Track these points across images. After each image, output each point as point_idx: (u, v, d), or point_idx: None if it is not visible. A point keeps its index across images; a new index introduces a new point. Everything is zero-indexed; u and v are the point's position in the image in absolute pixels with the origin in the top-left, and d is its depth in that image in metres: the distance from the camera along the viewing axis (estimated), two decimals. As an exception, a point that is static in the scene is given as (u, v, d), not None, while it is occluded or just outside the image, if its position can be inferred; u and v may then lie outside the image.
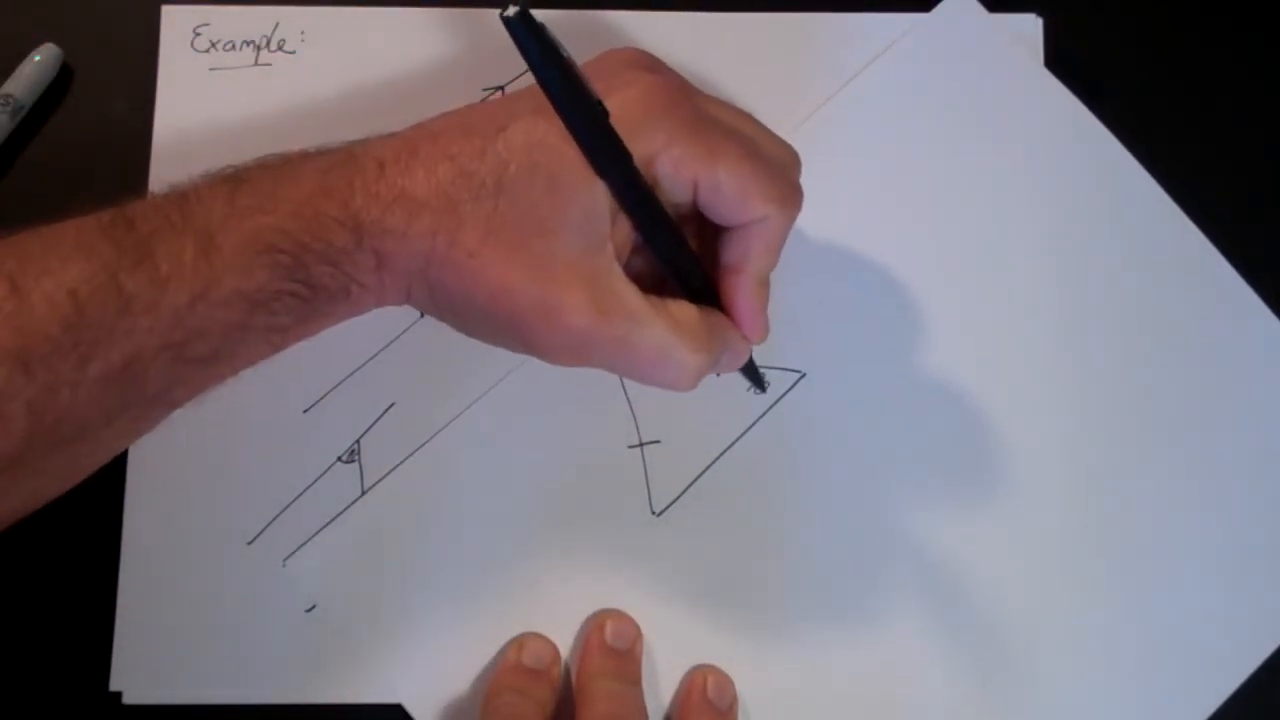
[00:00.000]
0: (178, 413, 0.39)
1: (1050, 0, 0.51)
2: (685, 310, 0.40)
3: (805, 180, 0.42)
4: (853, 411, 0.48)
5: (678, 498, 0.48)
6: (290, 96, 0.50)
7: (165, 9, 0.51)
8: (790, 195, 0.40)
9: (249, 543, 0.47)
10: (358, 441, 0.48)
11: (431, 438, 0.48)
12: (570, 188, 0.37)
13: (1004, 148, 0.50)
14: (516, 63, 0.35)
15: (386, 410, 0.48)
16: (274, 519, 0.47)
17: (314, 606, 0.46)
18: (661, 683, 0.47)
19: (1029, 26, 0.51)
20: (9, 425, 0.34)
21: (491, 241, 0.37)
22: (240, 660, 0.46)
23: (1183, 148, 0.51)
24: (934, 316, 0.49)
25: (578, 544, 0.47)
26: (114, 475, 0.47)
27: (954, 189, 0.50)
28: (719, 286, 0.41)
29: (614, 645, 0.46)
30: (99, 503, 0.47)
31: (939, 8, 0.51)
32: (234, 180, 0.37)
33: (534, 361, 0.40)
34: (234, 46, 0.51)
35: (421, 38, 0.51)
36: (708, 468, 0.48)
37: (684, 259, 0.40)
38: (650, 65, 0.40)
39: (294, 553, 0.47)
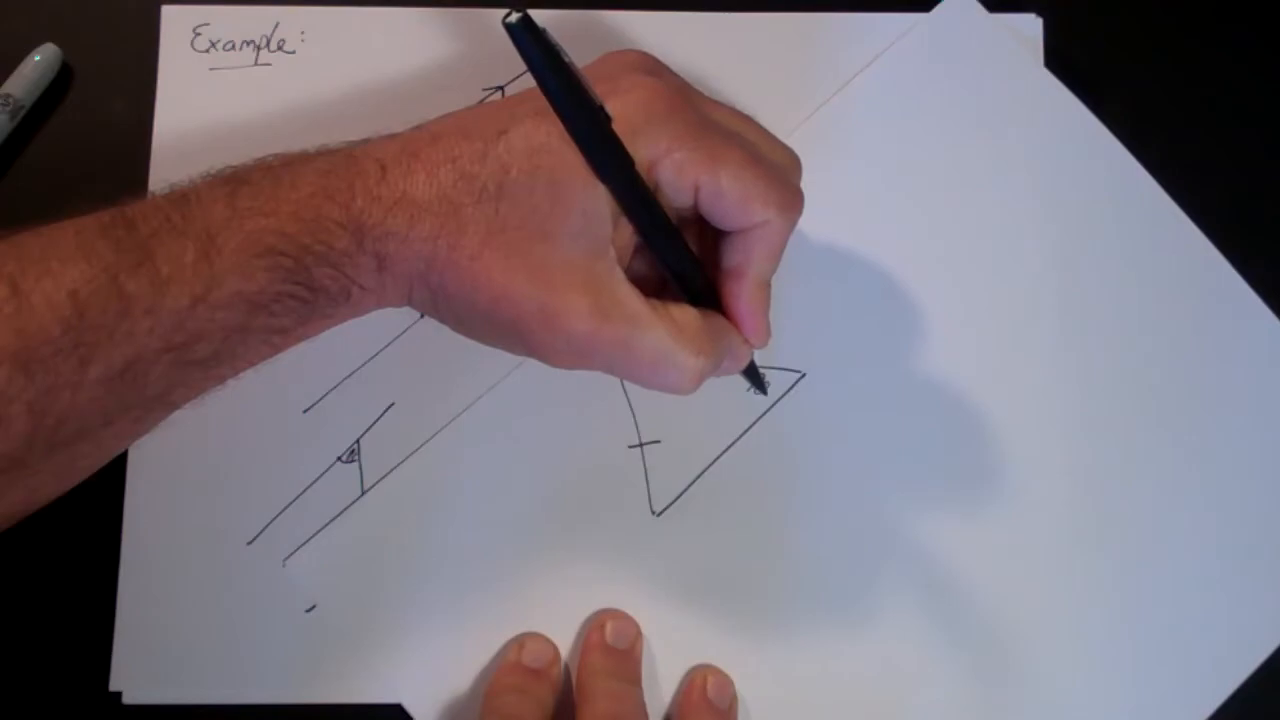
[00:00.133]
0: (178, 413, 0.39)
1: (1050, 0, 0.51)
2: (686, 314, 0.40)
3: (805, 180, 0.42)
4: (852, 411, 0.48)
5: (678, 498, 0.48)
6: (290, 96, 0.50)
7: (165, 9, 0.51)
8: (791, 199, 0.40)
9: (249, 543, 0.47)
10: (358, 441, 0.48)
11: (431, 438, 0.48)
12: (571, 191, 0.37)
13: (1004, 148, 0.50)
14: (517, 63, 0.35)
15: (386, 410, 0.48)
16: (274, 519, 0.47)
17: (314, 606, 0.46)
18: (661, 683, 0.47)
19: (1029, 26, 0.51)
20: (9, 426, 0.34)
21: (492, 245, 0.37)
22: (240, 660, 0.46)
23: (1183, 148, 0.51)
24: (934, 316, 0.49)
25: (578, 544, 0.47)
26: (114, 475, 0.47)
27: (954, 189, 0.50)
28: (720, 290, 0.41)
29: (614, 644, 0.46)
30: (99, 503, 0.47)
31: (939, 8, 0.51)
32: (234, 181, 0.37)
33: (534, 362, 0.40)
34: (234, 46, 0.51)
35: (421, 38, 0.51)
36: (708, 468, 0.48)
37: (685, 263, 0.40)
38: (652, 68, 0.40)
39: (294, 553, 0.47)
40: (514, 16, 0.34)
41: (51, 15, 0.51)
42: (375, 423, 0.48)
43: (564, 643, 0.47)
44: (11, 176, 0.49)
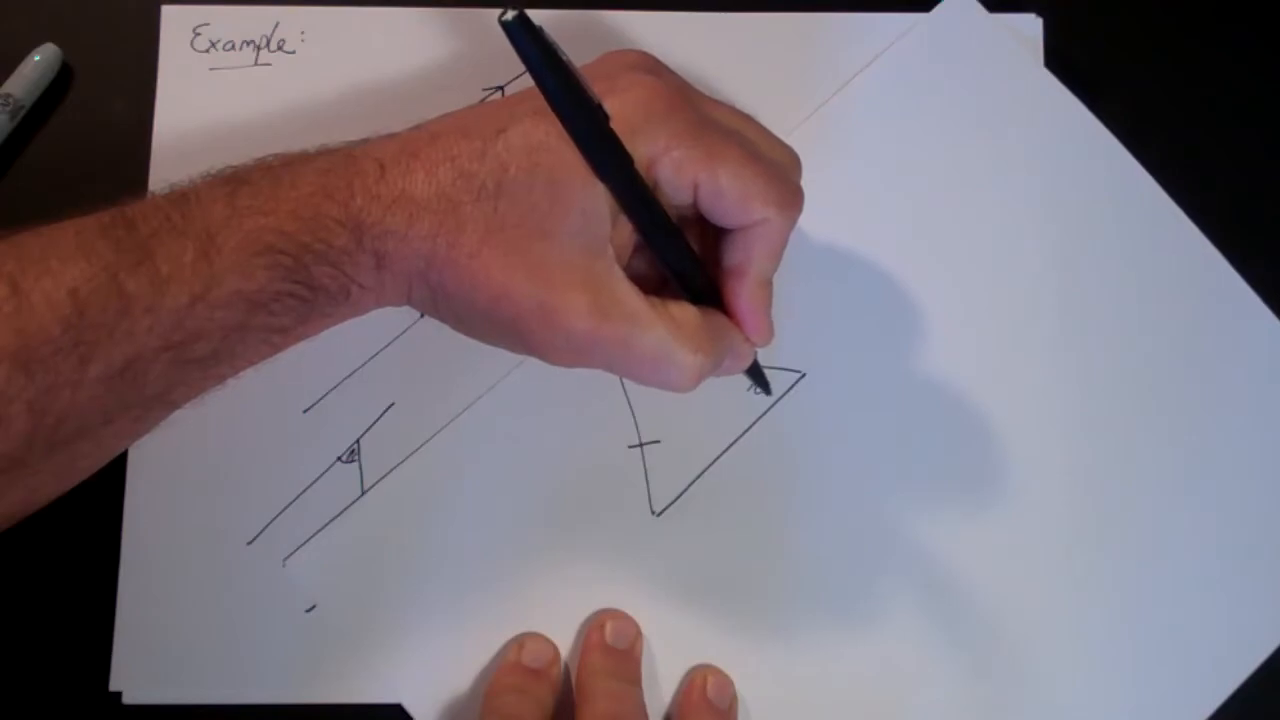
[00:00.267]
0: (178, 413, 0.39)
1: (1050, 0, 0.51)
2: (686, 312, 0.40)
3: (805, 180, 0.42)
4: (852, 411, 0.48)
5: (678, 497, 0.48)
6: (290, 96, 0.50)
7: (165, 9, 0.51)
8: (791, 197, 0.40)
9: (249, 543, 0.47)
10: (358, 441, 0.48)
11: (431, 438, 0.48)
12: (570, 190, 0.37)
13: (1004, 148, 0.50)
14: (516, 63, 0.35)
15: (386, 410, 0.48)
16: (274, 519, 0.47)
17: (314, 606, 0.46)
18: (661, 683, 0.47)
19: (1029, 26, 0.51)
20: (9, 425, 0.34)
21: (492, 243, 0.37)
22: (240, 660, 0.46)
23: (1183, 148, 0.51)
24: (934, 316, 0.49)
25: (578, 544, 0.47)
26: (114, 475, 0.47)
27: (953, 189, 0.50)
28: (722, 289, 0.41)
29: (614, 644, 0.46)
30: (99, 503, 0.47)
31: (939, 8, 0.51)
32: (234, 181, 0.37)
33: (534, 361, 0.40)
34: (234, 46, 0.51)
35: (421, 38, 0.51)
36: (708, 468, 0.48)
37: (685, 261, 0.40)
38: (651, 67, 0.40)
39: (294, 553, 0.47)
40: (510, 15, 0.34)
41: (51, 15, 0.51)
42: (375, 423, 0.48)
43: (564, 643, 0.47)
44: (11, 176, 0.49)
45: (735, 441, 0.48)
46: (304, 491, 0.47)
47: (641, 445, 0.48)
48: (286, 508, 0.47)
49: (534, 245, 0.37)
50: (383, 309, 0.41)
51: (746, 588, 0.47)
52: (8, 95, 0.49)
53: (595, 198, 0.37)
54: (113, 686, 0.46)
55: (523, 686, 0.45)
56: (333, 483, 0.47)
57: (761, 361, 0.46)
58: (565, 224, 0.37)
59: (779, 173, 0.40)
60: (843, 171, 0.50)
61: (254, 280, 0.36)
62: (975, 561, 0.47)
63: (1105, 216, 0.50)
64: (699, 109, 0.40)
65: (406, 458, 0.47)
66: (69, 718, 0.46)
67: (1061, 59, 0.51)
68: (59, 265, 0.34)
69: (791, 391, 0.49)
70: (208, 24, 0.51)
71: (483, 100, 0.50)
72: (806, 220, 0.41)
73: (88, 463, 0.38)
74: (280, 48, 0.51)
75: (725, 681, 0.46)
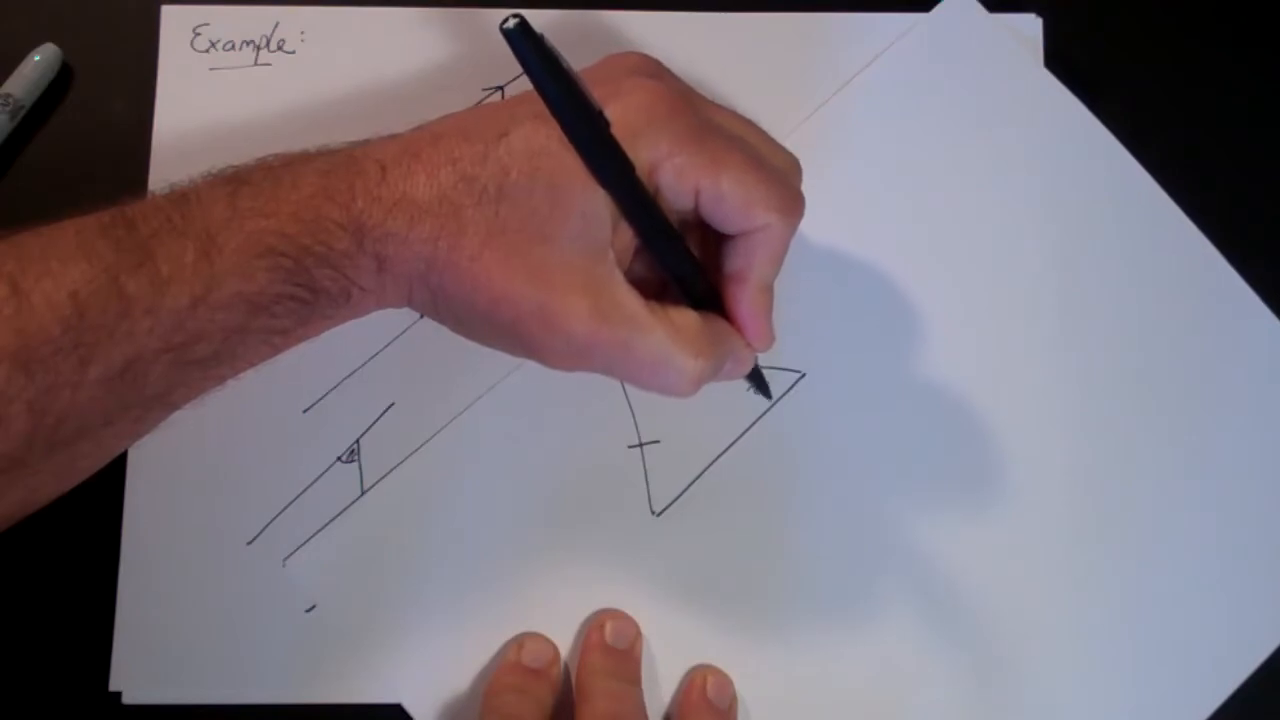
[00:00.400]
0: (178, 413, 0.39)
1: (1050, 0, 0.51)
2: (686, 316, 0.40)
3: (805, 180, 0.42)
4: (852, 411, 0.48)
5: (677, 498, 0.48)
6: (290, 96, 0.50)
7: (165, 9, 0.51)
8: (792, 203, 0.40)
9: (249, 543, 0.47)
10: (357, 441, 0.48)
11: (431, 438, 0.48)
12: (571, 194, 0.37)
13: (1004, 148, 0.50)
14: (516, 63, 0.35)
15: (386, 410, 0.48)
16: (274, 519, 0.47)
17: (314, 606, 0.46)
18: (661, 683, 0.47)
19: (1029, 26, 0.51)
20: (9, 426, 0.34)
21: (492, 246, 0.37)
22: (240, 660, 0.46)
23: (1183, 148, 0.51)
24: (934, 316, 0.49)
25: (578, 544, 0.47)
26: (114, 475, 0.47)
27: (954, 189, 0.50)
28: (723, 295, 0.41)
29: (614, 644, 0.46)
30: (99, 503, 0.47)
31: (939, 8, 0.51)
32: (235, 181, 0.37)
33: (534, 362, 0.40)
34: (234, 46, 0.51)
35: (421, 38, 0.51)
36: (707, 468, 0.48)
37: (686, 266, 0.40)
38: (653, 71, 0.40)
39: (294, 553, 0.47)
40: (511, 22, 0.34)
41: (51, 15, 0.51)
42: (375, 423, 0.48)
43: (564, 643, 0.47)
44: (11, 176, 0.49)
45: (735, 441, 0.48)
46: (304, 491, 0.47)
47: (641, 445, 0.48)
48: (286, 508, 0.47)
49: (534, 249, 0.37)
50: (383, 310, 0.40)
51: (746, 588, 0.47)
52: (8, 95, 0.49)
53: (596, 202, 0.37)
54: (113, 686, 0.46)
55: (522, 686, 0.45)
56: (332, 483, 0.47)
57: (761, 362, 0.46)
58: (566, 228, 0.37)
59: (780, 178, 0.40)
60: (843, 171, 0.50)
61: (255, 282, 0.36)
62: (975, 561, 0.47)
63: (1105, 216, 0.50)
64: (701, 114, 0.39)
65: (406, 458, 0.47)
66: (69, 718, 0.46)
67: (1061, 59, 0.51)
68: (59, 266, 0.34)
69: (791, 391, 0.49)
70: (208, 24, 0.51)
71: (482, 100, 0.50)
72: (806, 220, 0.41)
73: (88, 463, 0.38)
74: (280, 48, 0.51)
75: (725, 681, 0.46)
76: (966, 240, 0.50)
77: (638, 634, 0.46)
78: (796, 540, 0.47)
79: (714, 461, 0.48)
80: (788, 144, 0.43)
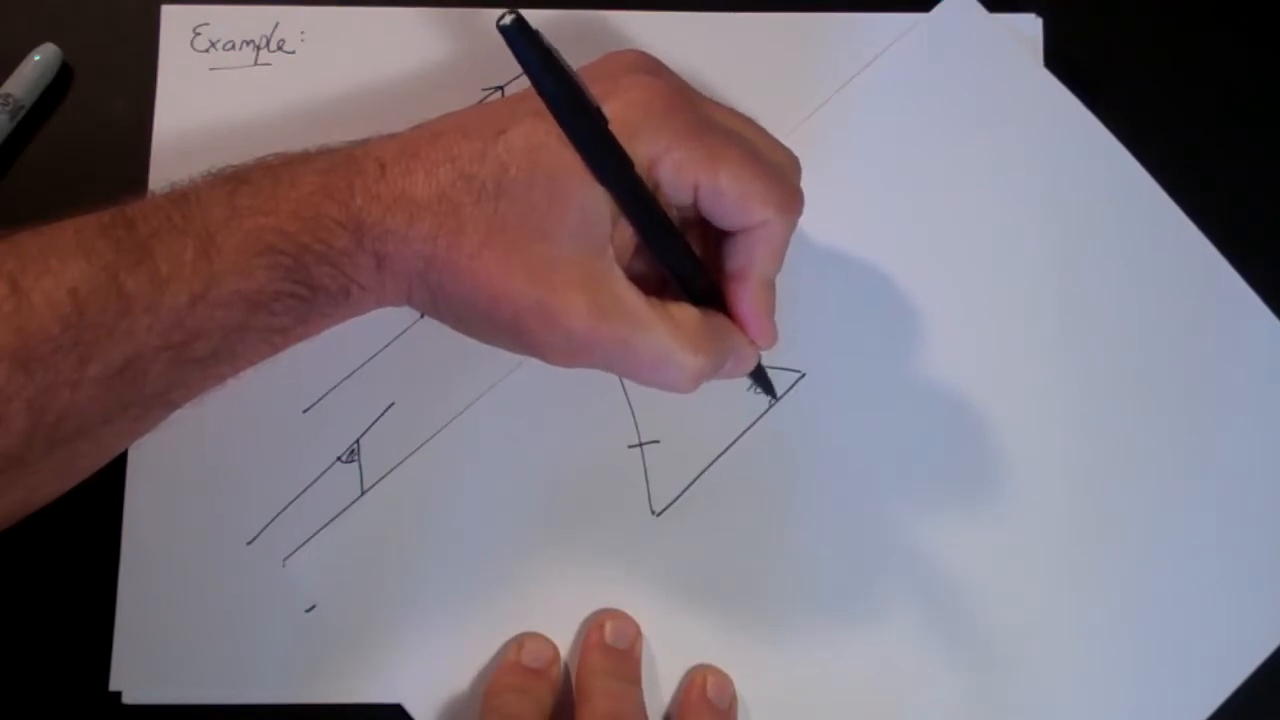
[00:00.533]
0: (178, 413, 0.39)
1: (1050, 0, 0.51)
2: (686, 312, 0.40)
3: (805, 180, 0.42)
4: (853, 411, 0.48)
5: (677, 497, 0.48)
6: (290, 96, 0.50)
7: (165, 9, 0.51)
8: (791, 199, 0.40)
9: (249, 543, 0.47)
10: (357, 441, 0.48)
11: (431, 438, 0.48)
12: (570, 191, 0.37)
13: (1004, 148, 0.50)
14: (516, 63, 0.35)
15: (386, 410, 0.48)
16: (274, 519, 0.47)
17: (314, 606, 0.46)
18: (661, 683, 0.47)
19: (1029, 26, 0.51)
20: (9, 424, 0.34)
21: (492, 244, 0.37)
22: (240, 660, 0.46)
23: (1183, 148, 0.51)
24: (934, 316, 0.49)
25: (578, 544, 0.47)
26: (114, 475, 0.47)
27: (954, 189, 0.50)
28: (725, 293, 0.41)
29: (614, 644, 0.46)
30: (99, 503, 0.47)
31: (939, 8, 0.51)
32: (234, 180, 0.37)
33: (534, 361, 0.40)
34: (234, 46, 0.51)
35: (421, 38, 0.51)
36: (708, 468, 0.48)
37: (686, 263, 0.40)
38: (651, 68, 0.40)
39: (294, 553, 0.47)
40: (508, 19, 0.34)
41: (51, 15, 0.51)
42: (375, 423, 0.48)
43: (564, 643, 0.47)
44: (11, 176, 0.49)
45: (735, 441, 0.48)
46: (304, 491, 0.47)
47: (641, 445, 0.48)
48: (286, 508, 0.47)
49: (534, 246, 0.37)
50: (383, 309, 0.41)
51: (746, 588, 0.47)
52: (8, 95, 0.49)
53: (595, 198, 0.37)
54: (113, 686, 0.46)
55: (522, 686, 0.45)
56: (333, 483, 0.47)
57: (761, 361, 0.46)
58: (565, 224, 0.37)
59: (779, 174, 0.40)
60: (843, 171, 0.50)
61: (254, 280, 0.36)
62: (975, 561, 0.47)
63: (1105, 216, 0.50)
64: (699, 110, 0.40)
65: (406, 458, 0.47)
66: (69, 718, 0.46)
67: (1061, 59, 0.51)
68: (59, 264, 0.34)
69: (791, 391, 0.49)
70: (208, 24, 0.51)
71: (482, 100, 0.50)
72: (807, 220, 0.41)
73: (87, 462, 0.38)
74: (280, 48, 0.51)
75: (725, 681, 0.46)
76: (966, 240, 0.50)
77: (638, 634, 0.46)
78: (796, 540, 0.47)
79: (714, 461, 0.48)
80: (787, 143, 0.43)
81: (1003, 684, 0.46)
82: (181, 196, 0.37)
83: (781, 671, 0.47)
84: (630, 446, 0.48)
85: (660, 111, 0.38)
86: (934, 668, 0.47)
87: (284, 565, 0.47)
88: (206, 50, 0.51)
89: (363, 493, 0.47)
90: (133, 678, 0.46)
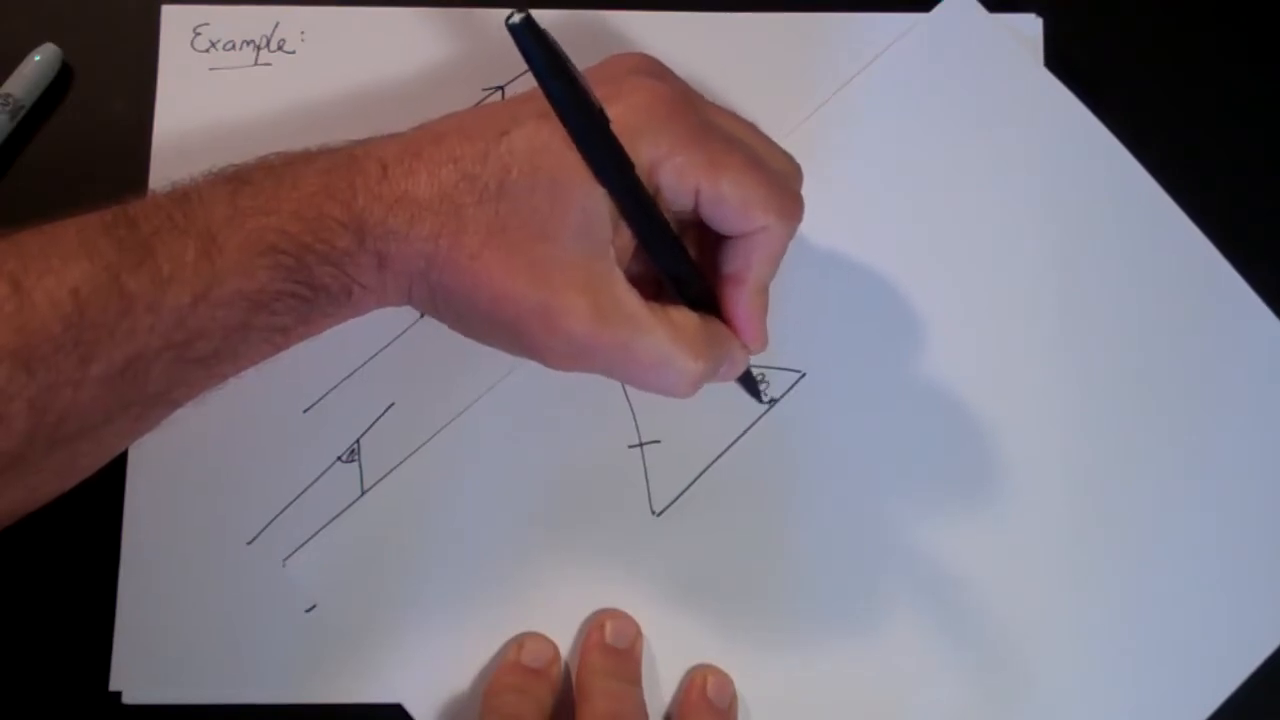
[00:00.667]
0: (178, 413, 0.39)
1: (1050, 0, 0.51)
2: (686, 317, 0.40)
3: (805, 180, 0.42)
4: (852, 411, 0.48)
5: (678, 497, 0.48)
6: (290, 96, 0.50)
7: (165, 9, 0.51)
8: (791, 206, 0.40)
9: (249, 543, 0.47)
10: (358, 441, 0.48)
11: (431, 438, 0.48)
12: (571, 193, 0.37)
13: (1004, 148, 0.50)
14: (516, 63, 0.35)
15: (386, 410, 0.48)
16: (274, 519, 0.47)
17: (314, 606, 0.46)
18: (661, 683, 0.47)
19: (1029, 26, 0.51)
20: (10, 424, 0.34)
21: (493, 245, 0.37)
22: (240, 660, 0.46)
23: (1183, 148, 0.51)
24: (934, 316, 0.49)
25: (578, 544, 0.47)
26: (114, 475, 0.47)
27: (954, 189, 0.50)
28: (719, 296, 0.41)
29: (614, 644, 0.46)
30: (99, 503, 0.46)
31: (939, 8, 0.51)
32: (236, 180, 0.37)
33: (533, 361, 0.40)
34: (234, 46, 0.51)
35: (421, 38, 0.51)
36: (708, 468, 0.48)
37: (682, 267, 0.40)
38: (655, 71, 0.41)
39: (294, 553, 0.47)
40: (517, 17, 0.34)
41: (51, 15, 0.51)
42: (375, 423, 0.48)
43: (564, 643, 0.47)
44: (11, 176, 0.49)
45: (735, 441, 0.48)
46: (304, 491, 0.47)
47: (641, 445, 0.48)
48: (286, 508, 0.47)
49: (535, 247, 0.37)
50: (383, 309, 0.41)
51: (746, 588, 0.47)
52: (8, 95, 0.49)
53: (597, 200, 0.37)
54: (113, 686, 0.46)
55: (522, 686, 0.45)
56: (333, 483, 0.47)
57: (762, 361, 0.46)
58: (566, 226, 0.37)
59: (780, 181, 0.40)
60: (843, 171, 0.50)
61: (255, 280, 0.36)
62: (975, 561, 0.47)
63: (1105, 216, 0.50)
64: (702, 115, 0.40)
65: (406, 458, 0.47)
66: (69, 718, 0.46)
67: (1061, 59, 0.51)
68: (60, 264, 0.34)
69: (791, 391, 0.49)
70: (208, 24, 0.51)
71: (483, 100, 0.50)
72: (806, 220, 0.41)
73: (88, 461, 0.38)
74: (280, 48, 0.51)
75: (725, 681, 0.46)
76: (966, 240, 0.50)
77: (638, 634, 0.46)
78: (797, 540, 0.47)
79: (714, 461, 0.48)
80: (787, 144, 0.43)
81: (1003, 684, 0.47)
82: (183, 196, 0.37)
83: (781, 671, 0.47)
84: (630, 446, 0.48)
85: (663, 116, 0.38)
86: (934, 667, 0.47)
87: (284, 565, 0.47)
88: (207, 50, 0.50)
89: (363, 493, 0.47)
90: (133, 678, 0.46)
